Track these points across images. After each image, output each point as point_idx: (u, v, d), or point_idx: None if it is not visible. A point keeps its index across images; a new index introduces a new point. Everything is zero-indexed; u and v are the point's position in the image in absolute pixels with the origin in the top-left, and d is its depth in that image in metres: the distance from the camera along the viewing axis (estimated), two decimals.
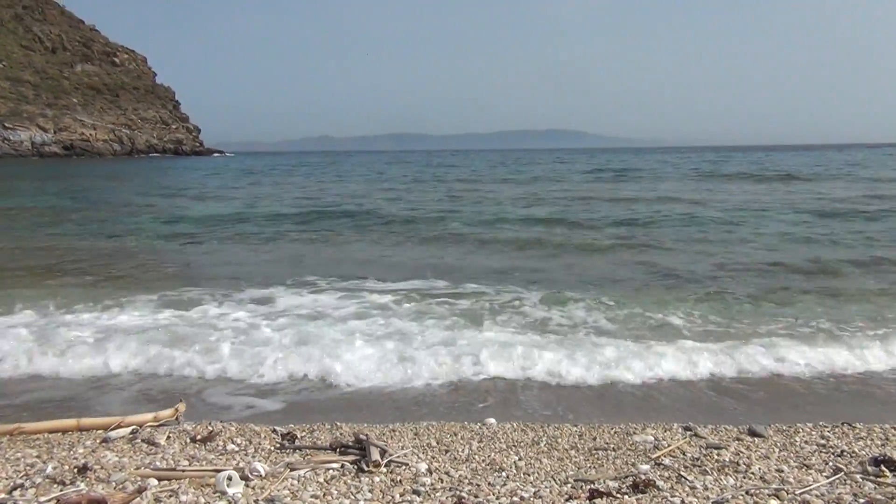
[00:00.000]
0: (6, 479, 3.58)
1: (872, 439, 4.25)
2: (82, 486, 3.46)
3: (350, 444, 4.00)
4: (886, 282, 9.39)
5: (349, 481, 3.53)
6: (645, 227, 15.90)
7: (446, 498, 3.35)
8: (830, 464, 3.80)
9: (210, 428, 4.48)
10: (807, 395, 5.50)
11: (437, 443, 4.25)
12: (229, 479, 3.42)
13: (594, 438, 4.32)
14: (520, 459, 3.92)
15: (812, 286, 9.19)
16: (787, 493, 3.37)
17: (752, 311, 7.87)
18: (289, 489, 3.44)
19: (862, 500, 3.25)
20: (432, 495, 3.39)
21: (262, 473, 3.59)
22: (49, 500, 3.26)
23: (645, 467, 3.76)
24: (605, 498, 3.30)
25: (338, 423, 4.69)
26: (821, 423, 4.63)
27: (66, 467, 3.72)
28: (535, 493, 3.40)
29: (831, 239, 13.50)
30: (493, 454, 4.02)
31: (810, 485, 3.48)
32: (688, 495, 3.36)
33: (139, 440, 4.22)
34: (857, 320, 7.38)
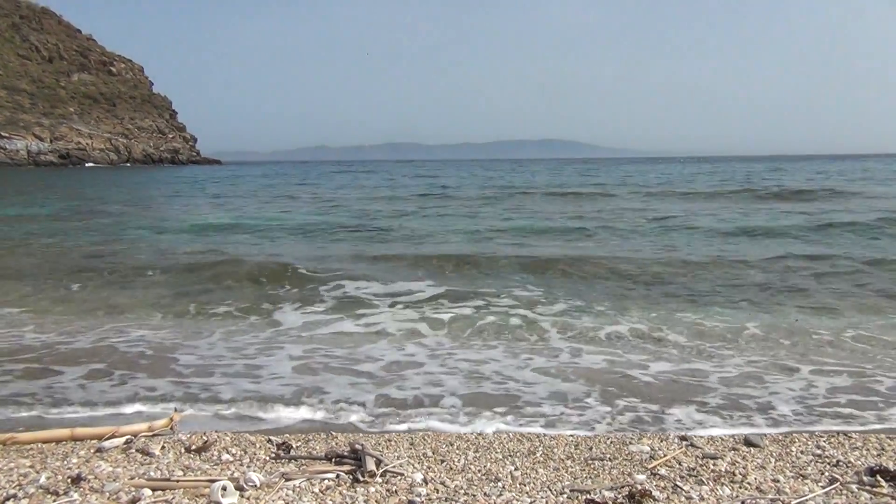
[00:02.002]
0: None
1: (868, 449, 4.26)
2: (76, 496, 3.45)
3: (345, 453, 3.98)
4: None
5: (344, 491, 3.52)
6: None
7: None
8: (826, 474, 3.80)
9: (205, 438, 4.46)
10: None
11: (433, 452, 4.24)
12: (224, 489, 3.40)
13: (590, 448, 4.32)
14: (516, 469, 3.91)
15: None
16: None
17: None
18: (284, 499, 3.43)
19: None
20: None
21: (257, 483, 3.58)
22: None
23: (641, 477, 3.75)
24: None
25: (333, 433, 4.68)
26: (817, 432, 4.63)
27: (60, 477, 3.70)
28: None
29: None
30: (489, 464, 4.01)
31: (806, 495, 3.49)
32: None
33: (133, 450, 4.20)
34: None
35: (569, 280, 10.39)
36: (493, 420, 4.98)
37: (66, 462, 4.00)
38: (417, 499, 3.44)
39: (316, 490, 3.54)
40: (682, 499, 3.44)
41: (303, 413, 5.18)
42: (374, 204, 27.02)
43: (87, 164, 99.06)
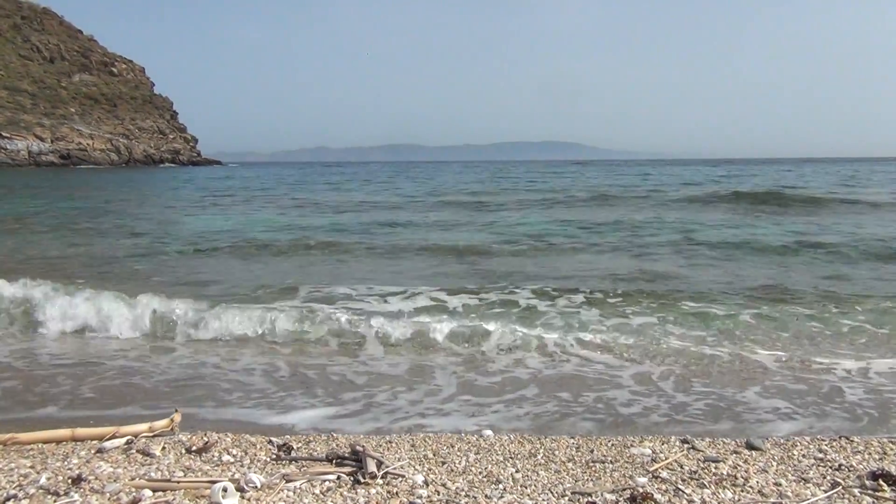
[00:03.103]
0: None
1: (870, 453, 4.25)
2: (76, 496, 3.44)
3: (346, 455, 3.98)
4: None
5: (345, 493, 3.51)
6: None
7: None
8: (828, 478, 3.79)
9: (206, 438, 4.45)
10: None
11: (434, 454, 4.23)
12: (224, 490, 3.40)
13: (591, 451, 4.31)
14: (517, 472, 3.91)
15: None
16: None
17: None
18: (284, 501, 3.42)
19: None
20: None
21: (258, 485, 3.57)
22: None
23: (642, 480, 3.75)
24: None
25: (334, 434, 4.68)
26: (818, 436, 4.63)
27: (60, 478, 3.70)
28: None
29: None
30: (490, 466, 4.00)
31: (808, 499, 3.48)
32: None
33: (134, 451, 4.20)
34: None
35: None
36: None
37: (66, 462, 3.99)
38: (418, 500, 3.43)
39: (317, 491, 3.53)
40: (684, 502, 3.43)
41: None
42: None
43: (78, 166, 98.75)
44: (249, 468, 3.91)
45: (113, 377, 6.15)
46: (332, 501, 3.41)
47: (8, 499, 3.41)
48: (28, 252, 14.06)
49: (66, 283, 9.04)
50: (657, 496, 3.47)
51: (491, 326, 7.34)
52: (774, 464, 4.04)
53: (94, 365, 6.48)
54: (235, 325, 7.48)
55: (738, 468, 3.94)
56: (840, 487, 3.62)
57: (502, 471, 3.92)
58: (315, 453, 4.16)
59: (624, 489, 3.59)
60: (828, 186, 35.49)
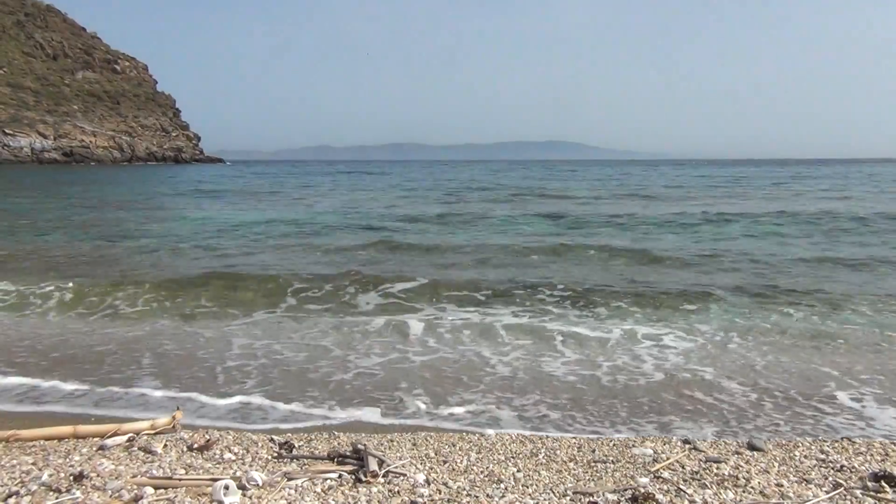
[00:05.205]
0: (1, 486, 3.56)
1: (872, 454, 4.24)
2: (78, 493, 3.44)
3: (348, 453, 3.98)
4: None
5: (347, 491, 3.51)
6: None
7: None
8: (830, 479, 3.78)
9: (207, 436, 4.46)
10: None
11: (436, 453, 4.23)
12: (226, 488, 3.40)
13: (593, 451, 4.30)
14: (518, 471, 3.90)
15: None
16: None
17: None
18: (286, 499, 3.42)
19: None
20: None
21: (260, 483, 3.57)
22: None
23: (644, 480, 3.74)
24: None
25: (335, 433, 4.67)
26: (820, 437, 4.62)
27: (62, 475, 3.70)
28: None
29: None
30: (491, 465, 4.00)
31: (810, 500, 3.47)
32: None
33: (136, 448, 4.20)
34: None
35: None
36: None
37: (68, 459, 3.99)
38: (420, 499, 3.43)
39: (318, 490, 3.54)
40: (686, 503, 3.43)
41: None
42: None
43: (81, 163, 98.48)
44: (251, 466, 3.91)
45: None
46: (333, 500, 3.41)
47: (10, 495, 3.42)
48: None
49: None
50: (659, 496, 3.46)
51: None
52: (776, 465, 4.03)
53: None
54: None
55: (740, 469, 3.93)
56: (842, 489, 3.61)
57: (504, 470, 3.91)
58: (317, 451, 4.17)
59: (625, 489, 3.59)
60: None
